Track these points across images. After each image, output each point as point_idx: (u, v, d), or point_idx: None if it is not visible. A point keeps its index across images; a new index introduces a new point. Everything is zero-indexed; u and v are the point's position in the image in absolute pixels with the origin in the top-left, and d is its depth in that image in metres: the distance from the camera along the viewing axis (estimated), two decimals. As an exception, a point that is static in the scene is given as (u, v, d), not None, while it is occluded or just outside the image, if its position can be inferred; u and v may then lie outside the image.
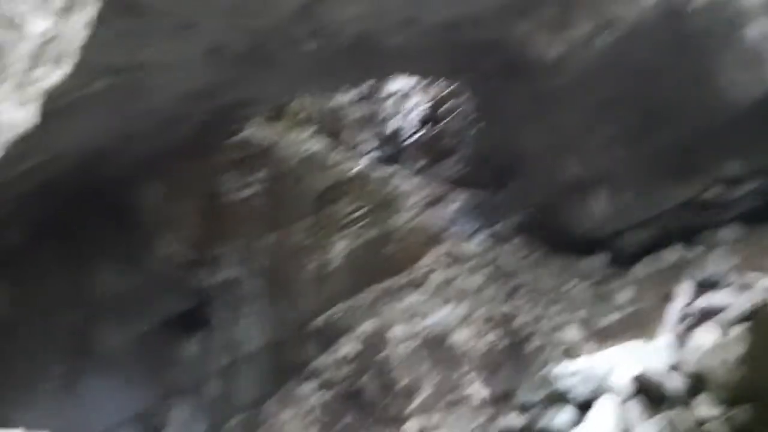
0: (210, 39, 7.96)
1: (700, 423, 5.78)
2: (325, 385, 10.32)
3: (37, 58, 2.06)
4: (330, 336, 11.55)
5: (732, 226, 9.99)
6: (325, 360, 10.80)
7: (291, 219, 13.27)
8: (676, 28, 8.84)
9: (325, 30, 8.86)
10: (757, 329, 6.41)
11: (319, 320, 12.11)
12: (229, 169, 13.29)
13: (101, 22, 2.66)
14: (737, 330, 6.59)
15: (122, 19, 6.22)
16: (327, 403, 10.02)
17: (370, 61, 10.40)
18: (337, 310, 12.06)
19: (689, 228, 10.10)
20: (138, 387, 11.81)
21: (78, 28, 2.44)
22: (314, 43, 9.12)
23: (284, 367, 12.23)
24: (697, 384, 6.24)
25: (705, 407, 5.97)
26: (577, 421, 6.38)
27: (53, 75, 2.49)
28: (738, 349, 6.27)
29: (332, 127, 15.60)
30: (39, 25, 1.85)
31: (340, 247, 13.07)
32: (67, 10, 2.13)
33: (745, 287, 7.84)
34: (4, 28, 1.70)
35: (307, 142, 14.42)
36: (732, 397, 5.95)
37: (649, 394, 6.37)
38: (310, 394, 10.29)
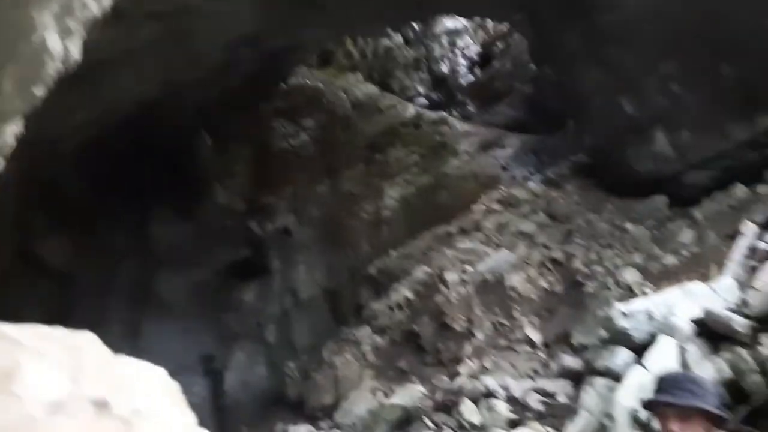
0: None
1: (763, 362, 5.57)
2: (380, 330, 10.42)
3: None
4: (384, 282, 11.62)
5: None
6: (379, 305, 10.88)
7: (342, 166, 13.28)
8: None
9: (372, -31, 8.65)
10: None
11: (373, 267, 12.21)
12: (279, 118, 13.31)
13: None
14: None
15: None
16: (382, 348, 10.13)
17: (419, 0, 10.13)
18: (391, 256, 12.11)
19: (753, 167, 9.64)
20: (199, 332, 12.21)
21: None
22: (361, -17, 8.93)
23: (339, 312, 12.43)
24: (762, 324, 6.01)
25: (770, 347, 5.77)
26: (636, 362, 6.26)
27: (94, 7, 2.44)
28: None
29: (382, 72, 15.41)
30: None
31: (392, 194, 13.06)
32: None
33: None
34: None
35: (356, 88, 14.29)
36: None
37: (710, 335, 6.17)
38: (365, 339, 10.41)
